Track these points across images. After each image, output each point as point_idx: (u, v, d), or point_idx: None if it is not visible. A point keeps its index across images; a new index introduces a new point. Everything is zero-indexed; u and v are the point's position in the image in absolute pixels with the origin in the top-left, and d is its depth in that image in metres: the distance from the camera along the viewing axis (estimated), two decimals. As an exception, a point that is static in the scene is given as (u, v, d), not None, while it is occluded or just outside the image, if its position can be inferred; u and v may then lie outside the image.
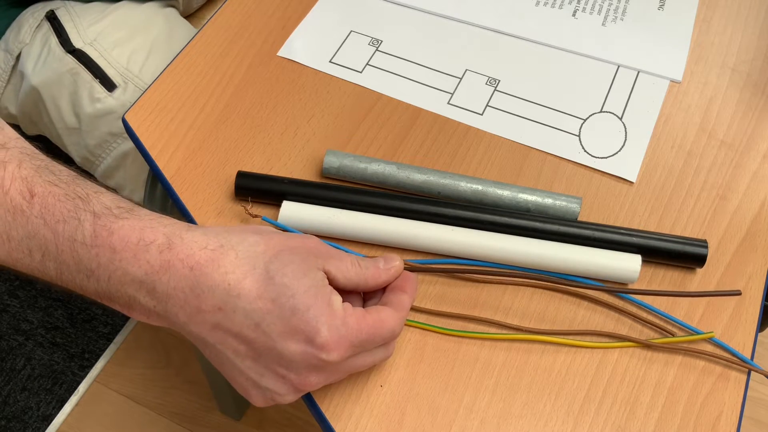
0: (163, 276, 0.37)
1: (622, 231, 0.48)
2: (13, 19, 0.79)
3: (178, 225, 0.39)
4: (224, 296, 0.37)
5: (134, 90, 0.73)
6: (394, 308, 0.41)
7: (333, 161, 0.51)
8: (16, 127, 0.83)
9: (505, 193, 0.50)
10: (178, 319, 0.38)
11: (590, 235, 0.48)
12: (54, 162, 0.41)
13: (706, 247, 0.47)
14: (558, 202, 0.50)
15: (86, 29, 0.75)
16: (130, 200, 0.40)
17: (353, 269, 0.41)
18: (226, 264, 0.37)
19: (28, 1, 0.79)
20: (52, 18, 0.76)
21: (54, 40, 0.74)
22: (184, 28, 0.80)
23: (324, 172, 0.51)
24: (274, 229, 0.41)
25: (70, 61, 0.73)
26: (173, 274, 0.37)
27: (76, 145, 0.76)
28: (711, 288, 0.48)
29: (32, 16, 0.77)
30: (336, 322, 0.37)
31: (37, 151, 0.41)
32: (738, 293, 0.44)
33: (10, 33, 0.78)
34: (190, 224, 0.39)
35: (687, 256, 0.47)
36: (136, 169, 0.77)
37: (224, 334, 0.38)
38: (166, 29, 0.77)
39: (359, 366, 0.41)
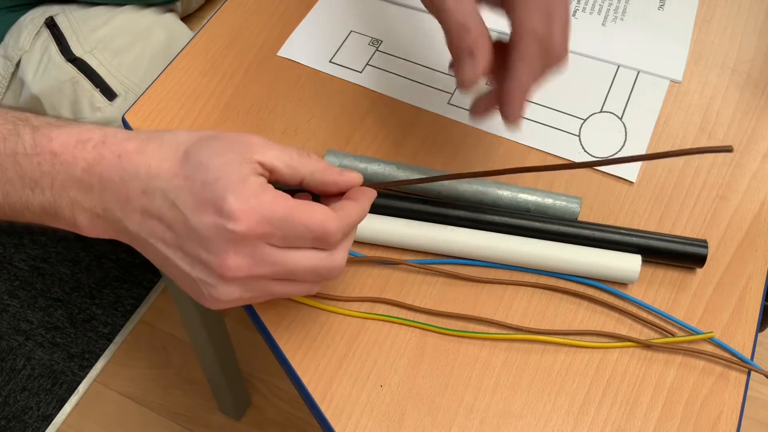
0: (96, 168, 0.38)
1: (622, 231, 0.48)
2: (11, 23, 0.78)
3: (116, 129, 0.40)
4: (146, 178, 0.37)
5: (135, 99, 0.72)
6: (332, 209, 0.39)
7: (333, 161, 0.51)
8: None
9: (504, 193, 0.50)
10: (115, 215, 0.38)
11: (590, 235, 0.48)
12: None
13: (706, 247, 0.47)
14: (558, 202, 0.50)
15: (86, 37, 0.75)
16: None
17: (297, 157, 0.40)
18: (149, 150, 0.38)
19: (27, 5, 0.79)
20: (51, 25, 0.75)
21: (54, 48, 0.74)
22: (184, 35, 0.79)
23: None
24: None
25: (71, 69, 0.73)
26: (105, 165, 0.38)
27: None
28: (711, 288, 0.48)
29: (31, 23, 0.77)
30: (246, 193, 0.36)
31: None
32: (729, 149, 0.36)
33: (9, 39, 0.77)
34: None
35: (687, 256, 0.47)
36: None
37: (151, 221, 0.38)
38: (166, 36, 0.76)
39: (290, 263, 0.38)
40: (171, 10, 0.82)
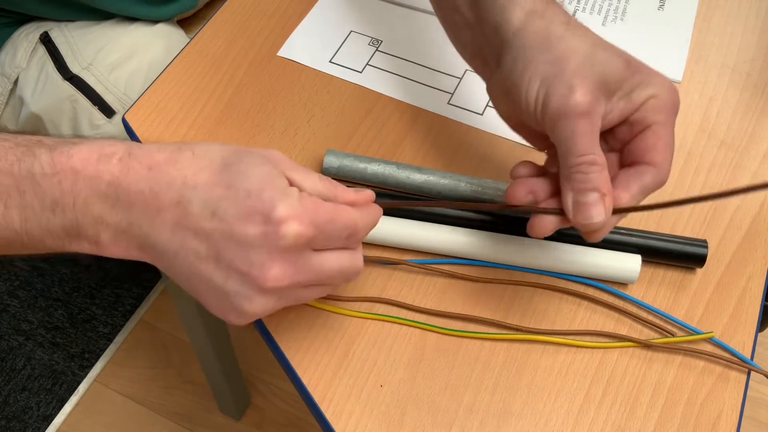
0: (123, 181, 0.37)
1: (622, 231, 0.48)
2: (5, 39, 0.77)
3: (139, 143, 0.39)
4: (181, 189, 0.37)
5: None
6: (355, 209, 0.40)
7: (333, 161, 0.51)
8: None
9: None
10: (142, 229, 0.37)
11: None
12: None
13: (706, 247, 0.47)
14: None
15: (82, 51, 0.74)
16: None
17: (321, 182, 0.40)
18: (182, 161, 0.37)
19: (21, 21, 0.78)
20: (46, 41, 0.75)
21: (51, 65, 0.74)
22: (180, 46, 0.79)
23: (324, 172, 0.51)
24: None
25: (69, 88, 0.72)
26: (133, 177, 0.37)
27: None
28: (711, 288, 0.48)
29: (26, 39, 0.76)
30: (292, 201, 0.36)
31: None
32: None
33: (5, 56, 0.76)
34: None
35: (687, 256, 0.47)
36: None
37: (184, 234, 0.37)
38: (164, 48, 0.75)
39: (325, 266, 0.38)
40: (167, 19, 0.81)
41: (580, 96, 0.38)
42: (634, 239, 0.47)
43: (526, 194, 0.41)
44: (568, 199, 0.39)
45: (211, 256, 0.37)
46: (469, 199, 0.50)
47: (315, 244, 0.37)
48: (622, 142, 0.41)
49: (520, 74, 0.40)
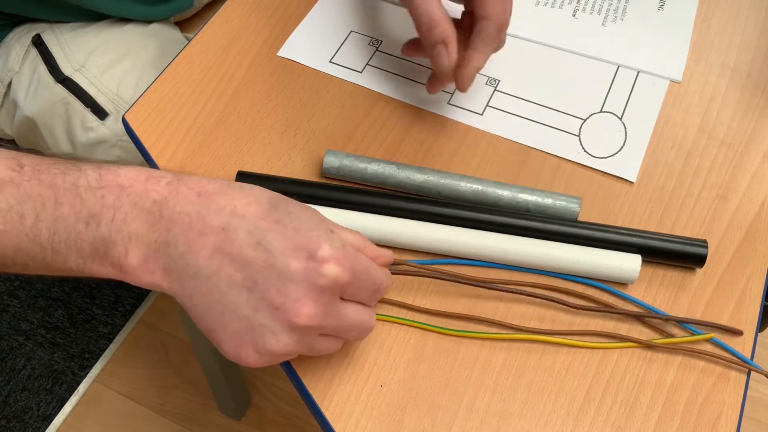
0: (170, 201, 0.37)
1: (622, 231, 0.48)
2: None
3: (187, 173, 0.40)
4: (229, 217, 0.37)
5: None
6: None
7: (333, 161, 0.51)
8: (11, 142, 0.83)
9: (504, 193, 0.50)
10: (177, 249, 0.37)
11: (590, 235, 0.48)
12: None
13: (706, 247, 0.47)
14: (558, 202, 0.50)
15: (74, 53, 0.74)
16: None
17: (353, 236, 0.42)
18: (232, 193, 0.38)
19: (14, 23, 0.78)
20: (38, 43, 0.75)
21: (43, 68, 0.73)
22: (177, 43, 0.78)
23: (324, 172, 0.51)
24: None
25: (61, 90, 0.72)
26: (180, 199, 0.38)
27: None
28: (711, 288, 0.48)
29: (18, 42, 0.76)
30: (336, 245, 0.38)
31: None
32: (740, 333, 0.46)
33: None
34: None
35: (687, 256, 0.47)
36: None
37: (222, 259, 0.37)
38: (157, 48, 0.75)
39: (349, 317, 0.39)
40: (162, 19, 0.80)
41: None
42: (634, 239, 0.47)
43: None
44: (429, 56, 0.51)
45: (245, 286, 0.37)
46: (469, 199, 0.50)
47: (346, 291, 0.39)
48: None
49: None
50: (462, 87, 0.52)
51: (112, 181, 0.38)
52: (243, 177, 0.50)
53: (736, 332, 0.46)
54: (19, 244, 0.37)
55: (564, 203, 0.50)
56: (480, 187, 0.50)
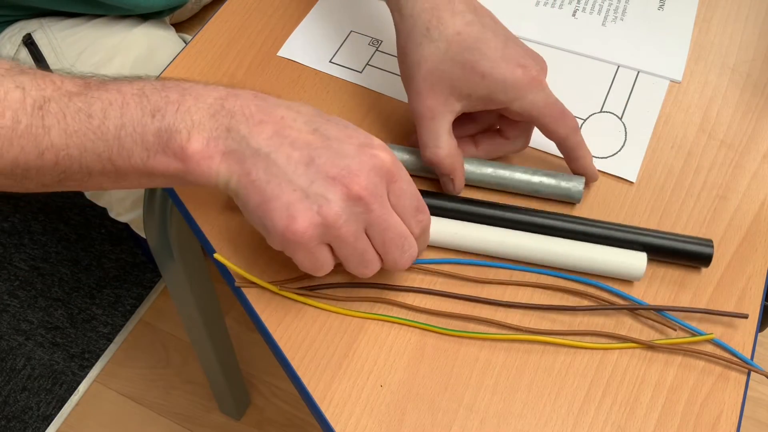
0: (230, 97, 0.41)
1: (627, 229, 0.48)
2: None
3: None
4: (286, 109, 0.41)
5: None
6: None
7: None
8: None
9: (505, 173, 0.51)
10: (239, 133, 0.40)
11: (595, 232, 0.48)
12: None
13: (712, 246, 0.47)
14: (562, 183, 0.50)
15: (64, 53, 0.74)
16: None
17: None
18: (283, 101, 0.42)
19: (5, 21, 0.78)
20: (29, 43, 0.74)
21: None
22: (169, 41, 0.78)
23: None
24: None
25: None
26: (239, 96, 0.41)
27: None
28: (711, 288, 0.48)
29: (9, 41, 0.76)
30: (384, 145, 0.42)
31: None
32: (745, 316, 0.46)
33: None
34: None
35: (693, 256, 0.47)
36: (123, 192, 0.77)
37: (281, 140, 0.40)
38: (148, 48, 0.75)
39: (392, 221, 0.41)
40: (156, 13, 0.80)
41: (424, 101, 0.47)
42: (640, 237, 0.47)
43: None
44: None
45: (302, 161, 0.39)
46: (468, 178, 0.51)
47: (393, 187, 0.41)
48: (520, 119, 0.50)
49: (400, 69, 0.50)
50: (592, 178, 0.51)
51: (174, 84, 0.41)
52: None
53: (742, 316, 0.46)
54: (85, 144, 0.39)
55: (566, 184, 0.50)
56: (476, 168, 0.51)
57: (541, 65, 0.47)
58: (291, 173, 0.39)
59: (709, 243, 0.47)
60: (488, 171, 0.51)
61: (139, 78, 0.42)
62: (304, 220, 0.39)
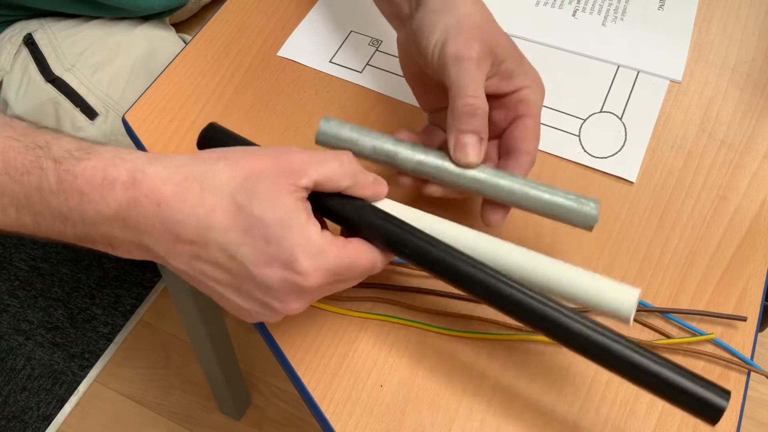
0: (132, 212, 0.37)
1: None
2: None
3: (140, 159, 0.38)
4: (195, 229, 0.37)
5: (115, 117, 0.72)
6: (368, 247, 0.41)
7: (327, 131, 0.46)
8: None
9: (511, 185, 0.44)
10: (158, 252, 0.38)
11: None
12: (11, 117, 0.41)
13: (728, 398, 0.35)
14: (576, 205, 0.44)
15: (65, 52, 0.74)
16: None
17: (342, 167, 0.40)
18: (191, 198, 0.37)
19: (5, 22, 0.78)
20: (30, 43, 0.75)
21: (33, 68, 0.73)
22: (169, 42, 0.78)
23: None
24: (241, 152, 0.40)
25: (51, 90, 0.72)
26: (141, 210, 0.37)
27: None
28: (711, 288, 0.48)
29: (10, 41, 0.76)
30: (314, 250, 0.37)
31: None
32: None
33: None
34: (152, 155, 0.39)
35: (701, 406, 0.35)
36: None
37: (203, 265, 0.38)
38: (147, 47, 0.75)
39: (343, 286, 0.41)
40: (156, 14, 0.80)
41: (474, 46, 0.43)
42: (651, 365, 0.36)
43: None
44: (452, 138, 0.43)
45: (231, 286, 0.38)
46: (470, 188, 0.45)
47: (332, 283, 0.39)
48: (500, 129, 0.47)
49: (426, 26, 0.45)
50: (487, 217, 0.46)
51: (71, 185, 0.37)
52: (209, 132, 0.47)
53: (740, 319, 0.46)
54: (14, 230, 0.39)
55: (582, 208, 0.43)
56: (483, 175, 0.45)
57: None
58: (224, 293, 0.39)
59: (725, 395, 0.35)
60: (503, 182, 0.44)
61: (37, 157, 0.38)
62: (252, 319, 0.40)
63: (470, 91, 0.43)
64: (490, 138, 0.46)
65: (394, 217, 0.42)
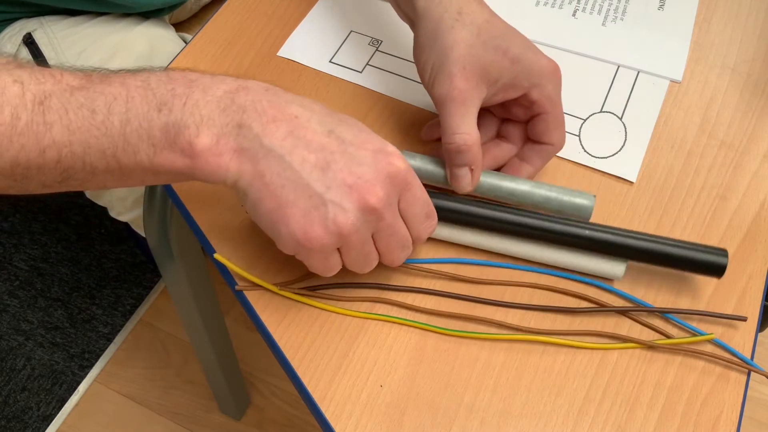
0: (240, 91, 0.39)
1: (638, 235, 0.46)
2: None
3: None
4: (300, 107, 0.40)
5: None
6: None
7: None
8: None
9: (522, 188, 0.48)
10: (252, 131, 0.38)
11: (610, 239, 0.46)
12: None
13: (726, 256, 0.45)
14: (572, 200, 0.48)
15: (64, 52, 0.74)
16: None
17: None
18: (294, 95, 0.41)
19: (5, 20, 0.78)
20: (29, 42, 0.74)
21: None
22: (169, 41, 0.78)
23: None
24: None
25: None
26: (250, 90, 0.39)
27: None
28: (711, 288, 0.48)
29: (9, 41, 0.76)
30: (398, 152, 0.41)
31: None
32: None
33: None
34: None
35: (705, 266, 0.46)
36: (124, 191, 0.77)
37: (296, 141, 0.39)
38: (148, 46, 0.75)
39: (400, 226, 0.42)
40: (155, 11, 0.80)
41: (456, 84, 0.46)
42: (650, 245, 0.46)
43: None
44: (447, 169, 0.48)
45: (318, 165, 0.39)
46: (483, 194, 0.49)
47: (405, 193, 0.41)
48: (524, 118, 0.50)
49: (420, 56, 0.49)
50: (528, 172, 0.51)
51: (180, 76, 0.39)
52: None
53: (740, 319, 0.46)
54: (89, 140, 0.38)
55: (578, 200, 0.48)
56: (495, 181, 0.49)
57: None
58: (306, 178, 0.38)
59: (723, 252, 0.46)
60: (505, 185, 0.49)
61: (143, 70, 0.40)
62: (321, 228, 0.39)
63: (456, 129, 0.46)
64: (518, 122, 0.50)
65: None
